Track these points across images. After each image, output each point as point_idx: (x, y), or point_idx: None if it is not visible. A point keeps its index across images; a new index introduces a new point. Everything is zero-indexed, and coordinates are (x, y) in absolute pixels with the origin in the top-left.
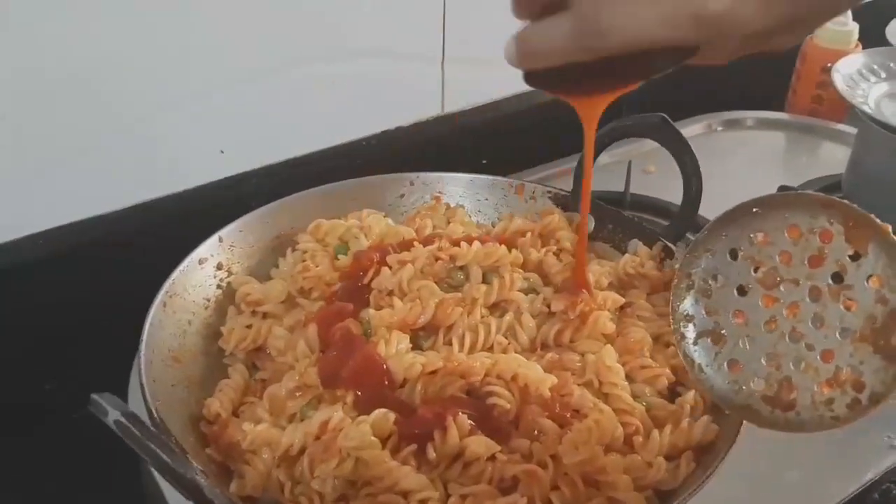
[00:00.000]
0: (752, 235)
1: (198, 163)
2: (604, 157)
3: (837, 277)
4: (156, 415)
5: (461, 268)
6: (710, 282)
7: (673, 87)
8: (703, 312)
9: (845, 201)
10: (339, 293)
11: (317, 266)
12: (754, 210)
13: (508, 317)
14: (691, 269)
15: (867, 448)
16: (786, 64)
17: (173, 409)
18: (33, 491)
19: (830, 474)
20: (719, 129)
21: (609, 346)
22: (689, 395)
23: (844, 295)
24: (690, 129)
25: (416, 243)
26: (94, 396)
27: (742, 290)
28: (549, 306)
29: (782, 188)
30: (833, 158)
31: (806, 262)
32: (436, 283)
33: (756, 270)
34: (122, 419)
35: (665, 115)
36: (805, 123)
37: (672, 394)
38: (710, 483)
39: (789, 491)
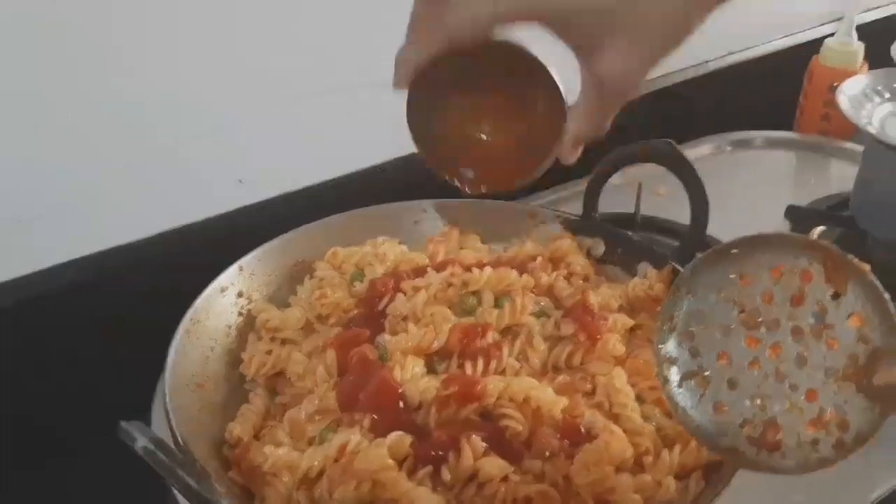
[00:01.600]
0: (732, 276)
1: (217, 192)
2: (614, 179)
3: (819, 318)
4: (181, 440)
5: (474, 293)
6: (692, 324)
7: (681, 107)
8: (687, 354)
9: (824, 242)
10: (355, 319)
11: (334, 293)
12: (734, 251)
13: (520, 341)
14: (674, 311)
15: (877, 465)
16: (793, 84)
17: (197, 434)
18: None
19: (839, 493)
20: (728, 149)
21: (619, 368)
22: None
23: (826, 334)
24: (699, 150)
25: (429, 269)
26: (123, 424)
27: (725, 332)
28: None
29: (791, 208)
30: (842, 176)
31: (787, 302)
32: (449, 307)
33: (739, 311)
34: (150, 446)
35: (671, 141)
36: (813, 142)
37: None
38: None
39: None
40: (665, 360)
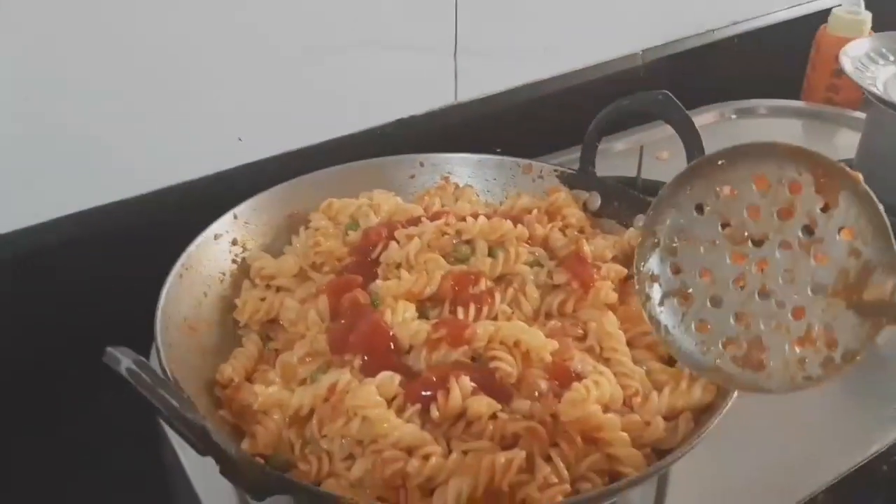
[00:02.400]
0: (718, 189)
1: (216, 149)
2: (616, 144)
3: (808, 231)
4: (171, 375)
5: (467, 242)
6: (675, 239)
7: (686, 76)
8: (669, 272)
9: (814, 151)
10: (349, 267)
11: (327, 241)
12: (720, 162)
13: (512, 288)
14: (656, 227)
15: (874, 420)
16: (799, 53)
17: (188, 374)
18: (60, 472)
19: (836, 446)
20: (733, 116)
21: (611, 313)
22: None
23: (815, 249)
24: (703, 118)
25: (423, 219)
26: (109, 349)
27: (710, 247)
28: (552, 279)
29: None
30: (848, 144)
31: (775, 215)
32: (442, 257)
33: (723, 226)
34: (134, 367)
35: (667, 92)
36: (819, 111)
37: (674, 362)
38: (717, 457)
39: (795, 463)
40: (647, 278)
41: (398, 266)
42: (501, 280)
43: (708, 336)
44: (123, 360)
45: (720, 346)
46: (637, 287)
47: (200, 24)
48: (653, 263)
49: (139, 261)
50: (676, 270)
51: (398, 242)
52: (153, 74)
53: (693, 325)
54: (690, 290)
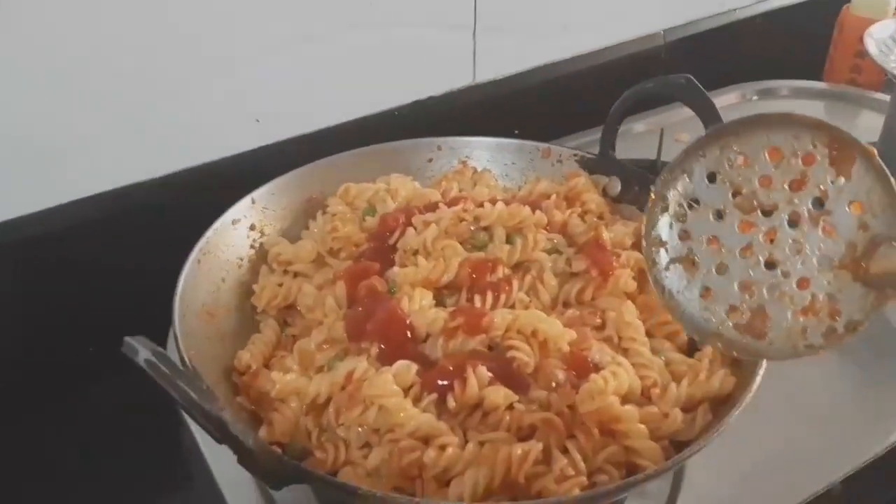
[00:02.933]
0: (731, 157)
1: (234, 132)
2: (636, 125)
3: (819, 203)
4: (189, 363)
5: (485, 229)
6: (685, 206)
7: (707, 56)
8: (677, 238)
9: (829, 123)
10: (366, 253)
11: (345, 227)
12: (735, 131)
13: (530, 276)
14: (667, 192)
15: (891, 410)
16: (822, 34)
17: (206, 361)
18: (78, 455)
19: (854, 437)
20: (754, 98)
21: (629, 302)
22: (708, 349)
23: (825, 221)
24: (724, 99)
25: (441, 205)
26: (127, 338)
27: (719, 215)
28: (571, 266)
29: None
30: (872, 127)
31: (787, 186)
32: (460, 243)
33: (734, 195)
34: (153, 358)
35: (689, 76)
36: (842, 92)
37: (692, 351)
38: (733, 447)
39: (812, 453)
40: (654, 243)
41: (415, 253)
42: (519, 267)
43: (711, 302)
44: (141, 350)
45: (723, 313)
46: (644, 251)
47: (216, 5)
48: (661, 228)
49: (157, 244)
50: (685, 236)
51: (415, 229)
52: (169, 54)
53: (697, 291)
54: (697, 258)
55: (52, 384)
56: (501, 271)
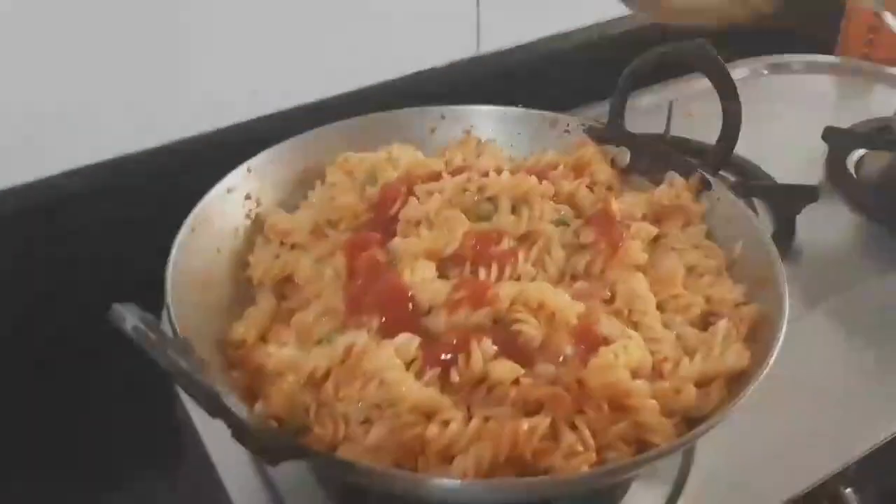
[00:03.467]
0: None
1: (230, 102)
2: (644, 99)
3: None
4: (180, 333)
5: (490, 199)
6: None
7: (715, 29)
8: None
9: None
10: (366, 224)
11: (344, 196)
12: None
13: (537, 247)
14: None
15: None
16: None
17: (200, 332)
18: (69, 427)
19: (869, 417)
20: (765, 72)
21: (640, 273)
22: (722, 324)
23: None
24: (734, 74)
25: (444, 175)
26: (115, 304)
27: None
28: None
29: (829, 130)
30: (887, 102)
31: None
32: (464, 213)
33: None
34: (141, 325)
35: (704, 41)
36: (856, 67)
37: (705, 326)
38: (745, 426)
39: (826, 434)
40: None
41: (418, 224)
42: (526, 239)
43: None
44: (129, 317)
45: None
46: None
47: None
48: None
49: (152, 215)
50: None
51: (418, 199)
52: (162, 25)
53: None
54: None
55: (41, 356)
56: (507, 243)
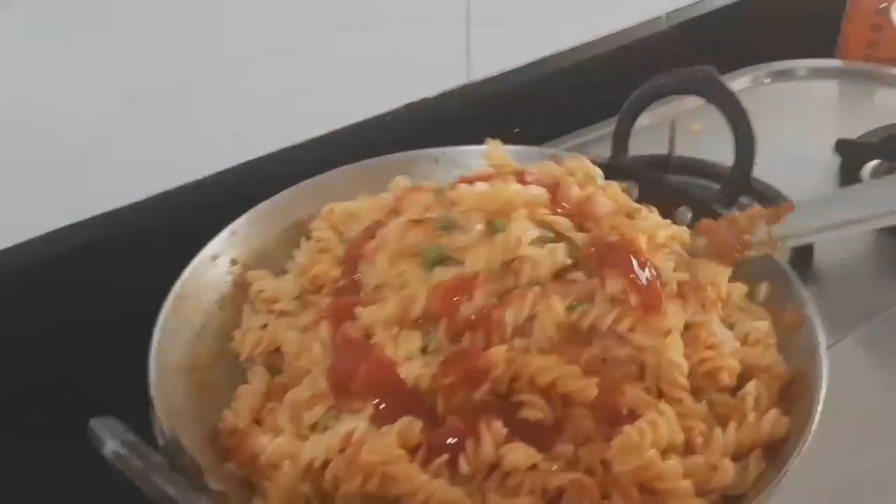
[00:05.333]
0: None
1: (213, 148)
2: (644, 119)
3: None
4: (166, 433)
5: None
6: None
7: (714, 37)
8: None
9: None
10: (342, 289)
11: (320, 260)
12: None
13: (528, 303)
14: None
15: None
16: (832, 8)
17: (189, 424)
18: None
19: None
20: (767, 80)
21: (675, 335)
22: (751, 386)
23: None
24: (736, 84)
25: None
26: (93, 422)
27: None
28: (575, 262)
29: (841, 142)
30: (891, 106)
31: None
32: (431, 243)
33: None
34: (121, 449)
35: (708, 68)
36: (860, 70)
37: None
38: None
39: (873, 480)
40: None
41: (380, 287)
42: (508, 271)
43: None
44: (108, 441)
45: None
46: None
47: (190, 19)
48: None
49: (135, 271)
50: None
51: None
52: (139, 67)
53: None
54: None
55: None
56: (481, 294)
